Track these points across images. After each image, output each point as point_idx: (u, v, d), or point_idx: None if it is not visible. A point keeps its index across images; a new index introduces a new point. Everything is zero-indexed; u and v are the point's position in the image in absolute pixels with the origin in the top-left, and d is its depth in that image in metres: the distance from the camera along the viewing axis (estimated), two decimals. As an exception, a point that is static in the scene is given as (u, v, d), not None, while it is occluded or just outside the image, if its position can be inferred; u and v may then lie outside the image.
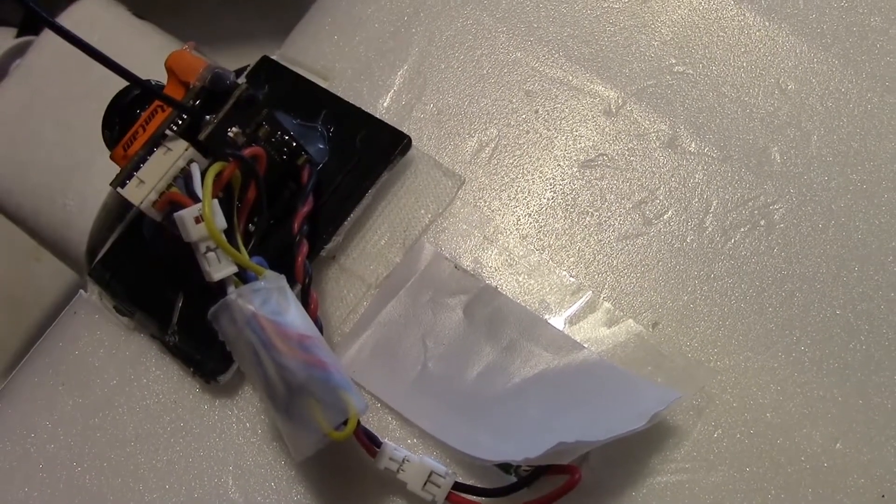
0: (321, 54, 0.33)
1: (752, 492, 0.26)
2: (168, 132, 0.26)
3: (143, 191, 0.26)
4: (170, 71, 0.27)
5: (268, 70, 0.32)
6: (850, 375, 0.27)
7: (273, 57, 0.33)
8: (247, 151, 0.26)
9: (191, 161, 0.26)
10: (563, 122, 0.30)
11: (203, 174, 0.25)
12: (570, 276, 0.28)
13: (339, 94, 0.31)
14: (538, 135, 0.30)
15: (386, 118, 0.30)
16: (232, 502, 0.27)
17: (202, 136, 0.26)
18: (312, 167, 0.28)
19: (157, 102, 0.27)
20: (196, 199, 0.25)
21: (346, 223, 0.28)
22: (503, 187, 0.30)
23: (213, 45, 0.36)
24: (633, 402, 0.26)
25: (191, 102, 0.26)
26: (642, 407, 0.25)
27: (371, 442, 0.26)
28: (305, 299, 0.27)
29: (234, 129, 0.26)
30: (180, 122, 0.26)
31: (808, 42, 0.30)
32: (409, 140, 0.29)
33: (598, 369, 0.27)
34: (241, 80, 0.32)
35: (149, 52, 0.42)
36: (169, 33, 0.45)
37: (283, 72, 0.32)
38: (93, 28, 0.43)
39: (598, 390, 0.27)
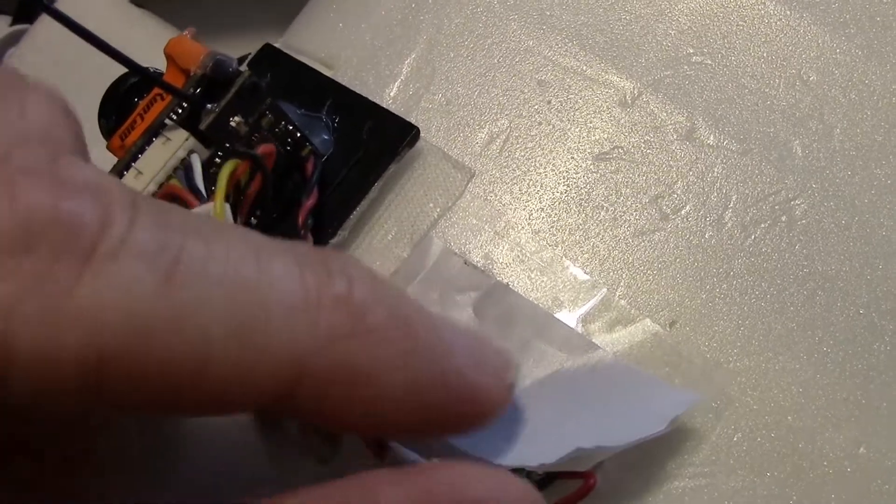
0: (325, 42, 0.32)
1: (773, 497, 0.25)
2: (167, 121, 0.25)
3: (141, 182, 0.25)
4: (169, 58, 0.26)
5: (270, 58, 0.31)
6: (874, 377, 0.26)
7: (276, 45, 0.32)
8: (260, 150, 0.25)
9: (191, 151, 0.25)
10: (576, 113, 0.29)
11: (204, 166, 0.24)
12: (585, 272, 0.27)
13: (344, 84, 0.30)
14: (551, 126, 0.29)
15: (393, 108, 0.29)
16: None
17: (203, 126, 0.25)
18: (317, 159, 0.27)
19: (155, 90, 0.26)
20: (196, 192, 0.24)
21: (351, 217, 0.27)
22: (515, 180, 0.29)
23: (213, 32, 0.35)
24: (651, 405, 0.25)
25: (191, 90, 0.25)
26: (661, 410, 0.24)
27: (378, 444, 0.25)
28: (310, 296, 0.26)
29: (236, 118, 0.25)
30: (180, 111, 0.25)
31: (831, 32, 0.29)
32: (418, 131, 0.28)
33: (614, 370, 0.26)
34: (243, 68, 0.31)
35: (146, 41, 0.40)
36: (167, 21, 0.44)
37: (286, 60, 0.31)
38: (88, 15, 0.42)
39: (614, 392, 0.26)
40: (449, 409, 0.16)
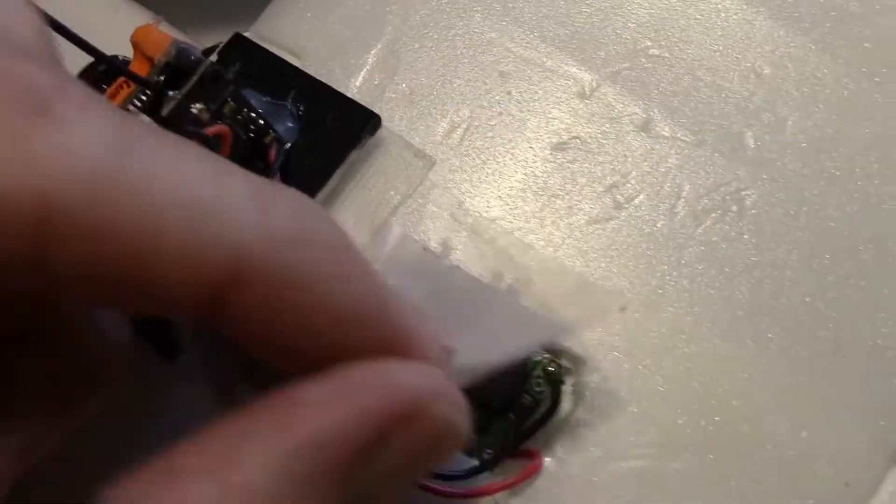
0: (294, 33, 0.32)
1: (716, 479, 0.26)
2: (131, 108, 0.26)
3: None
4: (136, 46, 0.27)
5: (239, 47, 0.32)
6: (818, 364, 0.27)
7: (246, 34, 0.32)
8: (210, 130, 0.25)
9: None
10: (536, 103, 0.30)
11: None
12: (539, 258, 0.28)
13: (311, 74, 0.30)
14: (511, 116, 0.30)
15: (358, 98, 0.30)
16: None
17: (165, 113, 0.26)
18: (280, 146, 0.28)
19: (122, 78, 0.27)
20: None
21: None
22: (474, 169, 0.29)
23: (187, 21, 0.35)
24: (529, 330, 0.25)
25: (155, 78, 0.26)
26: (537, 334, 0.24)
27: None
28: (270, 279, 0.26)
29: (198, 105, 0.26)
30: (144, 98, 0.26)
31: (786, 27, 0.29)
32: (379, 119, 0.29)
33: (498, 301, 0.26)
34: (214, 57, 0.31)
35: (129, 30, 0.41)
36: (150, 10, 0.45)
37: (254, 49, 0.31)
38: (67, 2, 0.43)
39: (493, 317, 0.26)
40: (380, 346, 0.16)
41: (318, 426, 0.14)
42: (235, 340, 0.16)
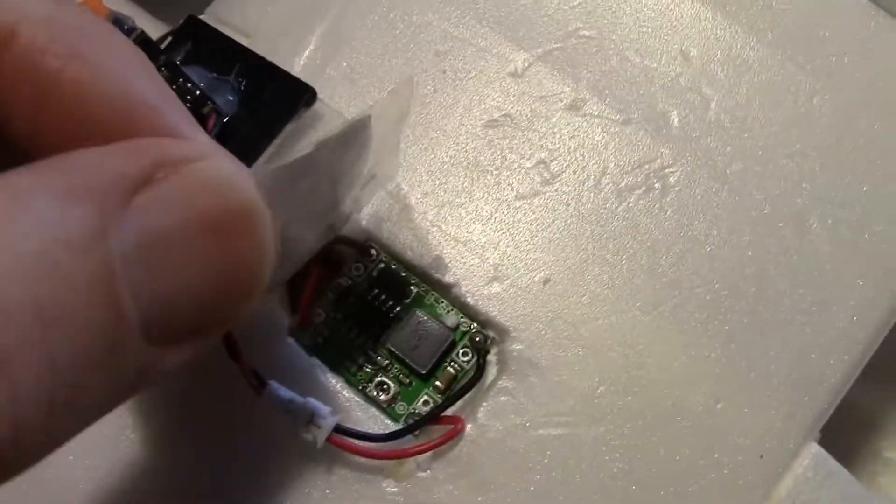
0: (245, 14, 0.33)
1: (632, 447, 0.26)
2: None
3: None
4: (78, 19, 0.28)
5: (192, 29, 0.33)
6: (734, 337, 0.27)
7: (201, 17, 0.33)
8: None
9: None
10: (469, 82, 0.30)
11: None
12: (468, 232, 0.29)
13: (259, 52, 0.31)
14: (445, 94, 0.30)
15: (301, 75, 0.31)
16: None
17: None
18: (219, 117, 0.29)
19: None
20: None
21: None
22: (408, 144, 0.30)
23: (159, 6, 0.36)
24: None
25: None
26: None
27: (257, 380, 0.26)
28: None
29: (128, 72, 0.27)
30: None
31: (713, 9, 0.30)
32: (314, 92, 0.29)
33: None
34: (167, 40, 0.32)
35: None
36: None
37: (206, 30, 0.32)
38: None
39: None
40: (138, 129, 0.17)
41: (87, 164, 0.15)
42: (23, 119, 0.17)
